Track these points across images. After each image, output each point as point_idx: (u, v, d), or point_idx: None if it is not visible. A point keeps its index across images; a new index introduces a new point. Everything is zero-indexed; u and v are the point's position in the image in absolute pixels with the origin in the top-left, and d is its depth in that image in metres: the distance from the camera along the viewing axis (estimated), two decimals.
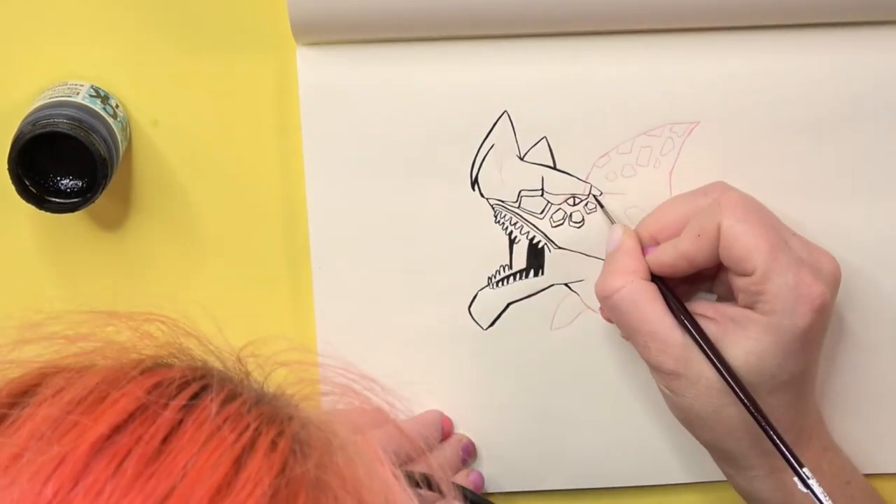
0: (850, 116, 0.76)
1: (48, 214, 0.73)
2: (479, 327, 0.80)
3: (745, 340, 0.71)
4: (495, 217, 0.78)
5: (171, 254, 0.79)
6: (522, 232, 0.78)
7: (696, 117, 0.76)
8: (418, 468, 0.63)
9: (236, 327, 0.76)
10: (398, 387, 0.78)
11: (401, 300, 0.79)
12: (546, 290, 0.80)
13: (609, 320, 0.77)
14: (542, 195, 0.78)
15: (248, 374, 0.49)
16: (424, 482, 0.52)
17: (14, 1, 0.74)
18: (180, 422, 0.44)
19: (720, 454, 0.75)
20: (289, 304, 0.80)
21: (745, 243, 0.70)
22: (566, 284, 0.80)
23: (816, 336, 0.72)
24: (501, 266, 0.79)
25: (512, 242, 0.79)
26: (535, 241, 0.79)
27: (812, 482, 0.68)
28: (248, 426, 0.44)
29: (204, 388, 0.45)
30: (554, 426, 0.82)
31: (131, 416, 0.43)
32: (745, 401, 0.70)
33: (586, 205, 0.78)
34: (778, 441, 0.69)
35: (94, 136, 0.71)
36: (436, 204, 0.77)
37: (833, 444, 0.78)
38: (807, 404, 0.74)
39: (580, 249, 0.79)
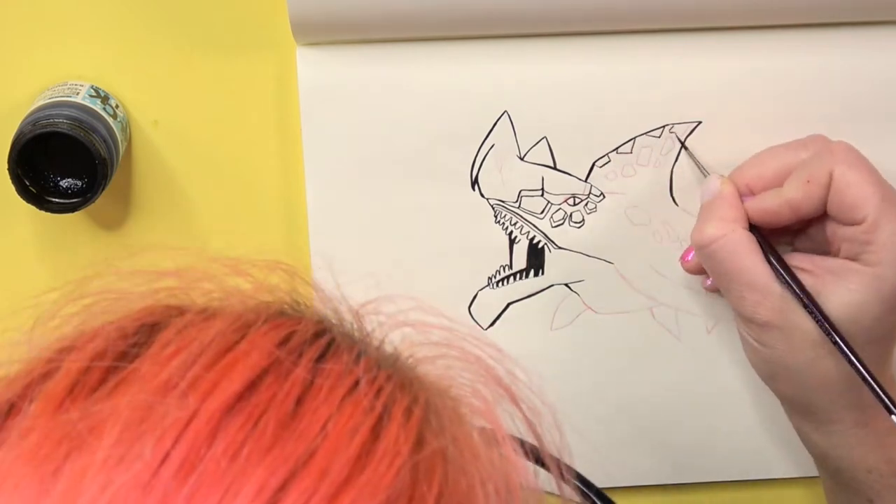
0: (850, 116, 0.76)
1: (48, 214, 0.73)
2: (479, 327, 0.80)
3: (846, 292, 0.69)
4: (495, 217, 0.78)
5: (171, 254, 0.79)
6: (522, 232, 0.78)
7: (698, 117, 0.76)
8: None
9: None
10: None
11: None
12: (546, 290, 0.80)
13: (691, 271, 0.76)
14: (542, 195, 0.78)
15: (367, 333, 0.47)
16: (533, 455, 0.50)
17: (14, 1, 0.74)
18: (312, 380, 0.42)
19: (801, 408, 0.73)
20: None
21: (857, 191, 0.69)
22: (566, 284, 0.80)
23: None
24: (501, 266, 0.79)
25: (512, 242, 0.79)
26: (535, 241, 0.79)
27: None
28: (381, 389, 0.42)
29: (330, 344, 0.44)
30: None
31: (264, 372, 0.42)
32: (847, 351, 0.68)
33: (586, 205, 0.78)
34: (878, 388, 0.67)
35: (94, 136, 0.71)
36: (436, 204, 0.77)
37: None
38: (891, 361, 0.73)
39: (580, 249, 0.79)
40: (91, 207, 0.73)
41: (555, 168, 0.77)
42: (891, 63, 0.75)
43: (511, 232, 0.78)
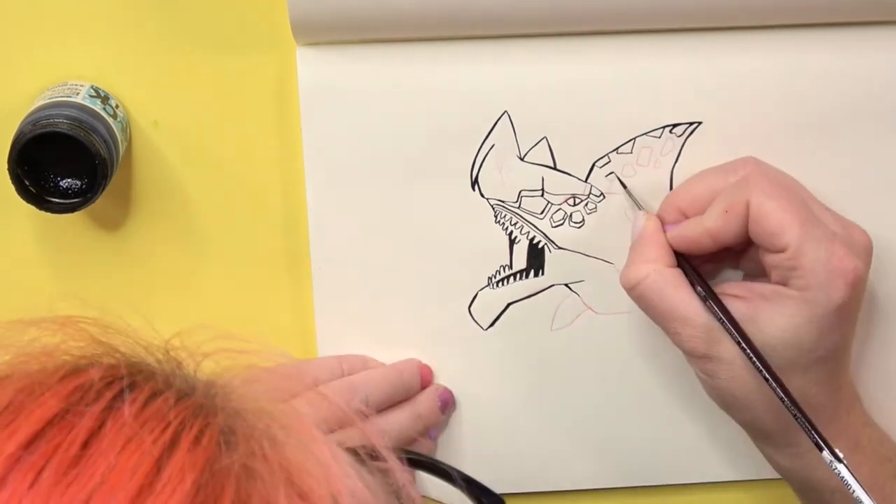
0: (850, 116, 0.76)
1: (48, 214, 0.73)
2: (479, 327, 0.80)
3: (780, 317, 0.70)
4: (495, 217, 0.78)
5: (171, 254, 0.79)
6: (522, 232, 0.78)
7: (697, 118, 0.76)
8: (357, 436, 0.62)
9: (240, 327, 0.78)
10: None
11: (401, 300, 0.79)
12: (546, 291, 0.80)
13: None
14: (542, 195, 0.78)
15: (179, 365, 0.47)
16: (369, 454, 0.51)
17: (14, 1, 0.74)
18: (100, 426, 0.42)
19: (759, 434, 0.74)
20: (289, 304, 0.80)
21: (776, 219, 0.69)
22: (566, 285, 0.80)
23: (852, 310, 0.71)
24: (501, 266, 0.79)
25: (512, 242, 0.79)
26: (535, 242, 0.79)
27: (840, 465, 0.67)
28: (169, 424, 0.43)
29: (129, 387, 0.44)
30: (555, 426, 0.82)
31: (49, 424, 0.42)
32: (770, 379, 0.69)
33: (586, 205, 0.78)
34: (803, 419, 0.68)
35: (94, 136, 0.71)
36: (436, 204, 0.77)
37: (871, 419, 0.76)
38: (842, 380, 0.73)
39: (580, 250, 0.79)
40: (91, 208, 0.73)
41: (555, 168, 0.77)
42: (891, 64, 0.75)
43: (511, 232, 0.78)
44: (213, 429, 0.43)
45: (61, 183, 0.73)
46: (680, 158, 0.77)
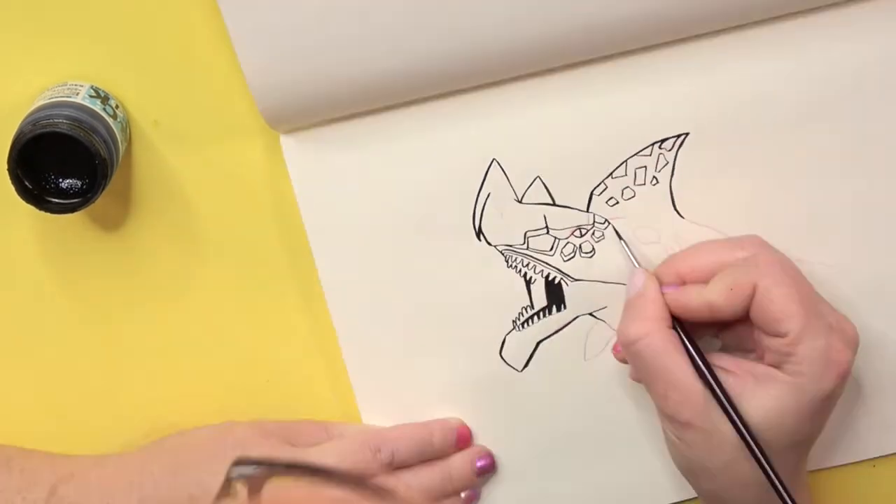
0: (826, 113, 0.75)
1: (48, 215, 0.72)
2: (514, 370, 0.81)
3: (766, 398, 0.70)
4: (507, 262, 0.79)
5: (170, 254, 0.79)
6: (536, 271, 0.79)
7: (684, 129, 0.76)
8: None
9: (240, 327, 0.80)
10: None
11: (431, 359, 0.80)
12: (572, 323, 0.80)
13: (624, 361, 0.77)
14: (547, 232, 0.78)
15: None
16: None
17: (14, 1, 0.74)
18: None
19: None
20: (291, 304, 0.80)
21: (781, 306, 0.70)
22: (591, 314, 0.80)
23: (836, 401, 0.72)
24: (523, 308, 0.80)
25: (528, 283, 0.79)
26: (550, 278, 0.79)
27: None
28: None
29: None
30: (607, 454, 0.82)
31: None
32: (762, 461, 0.70)
33: (593, 234, 0.78)
34: (789, 499, 0.69)
35: (94, 136, 0.70)
36: (447, 261, 0.78)
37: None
38: (803, 464, 0.75)
39: (596, 278, 0.79)
40: (91, 208, 0.73)
41: (554, 204, 0.77)
42: (871, 55, 0.74)
43: (525, 273, 0.79)
44: None
45: (61, 183, 0.72)
46: (675, 171, 0.77)
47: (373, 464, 0.77)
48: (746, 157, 0.76)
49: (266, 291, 0.80)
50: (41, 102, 0.73)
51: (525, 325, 0.80)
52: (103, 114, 0.73)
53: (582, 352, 0.81)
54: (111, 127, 0.73)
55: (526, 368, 0.81)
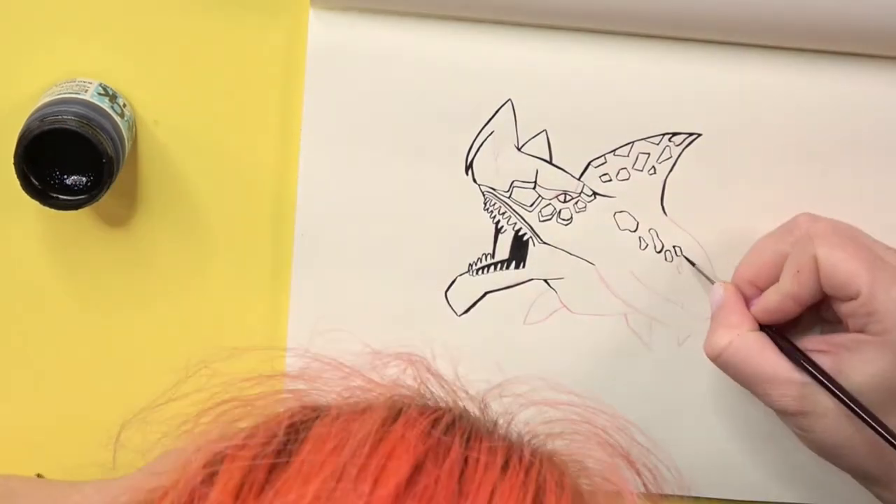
0: (851, 145, 0.76)
1: (54, 211, 0.72)
2: (453, 312, 0.80)
3: (864, 364, 0.70)
4: (485, 204, 0.78)
5: (176, 251, 0.79)
6: (510, 223, 0.78)
7: (698, 129, 0.76)
8: None
9: (246, 324, 0.80)
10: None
11: (379, 276, 0.79)
12: (525, 284, 0.79)
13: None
14: (534, 188, 0.77)
15: (494, 417, 0.49)
16: None
17: None
18: (466, 459, 0.43)
19: (864, 476, 0.74)
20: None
21: (844, 269, 0.70)
22: (545, 280, 0.79)
23: None
24: (484, 254, 0.79)
25: (498, 232, 0.78)
26: (520, 233, 0.78)
27: None
28: (531, 465, 0.44)
29: (472, 428, 0.46)
30: None
31: (424, 456, 0.43)
32: (872, 422, 0.69)
33: (576, 203, 0.78)
34: None
35: (102, 134, 0.70)
36: (427, 183, 0.77)
37: None
38: None
39: (564, 247, 0.79)
40: (96, 205, 0.73)
41: (550, 163, 0.77)
42: (891, 98, 0.76)
43: (498, 221, 0.78)
44: (568, 479, 0.45)
45: (67, 179, 0.72)
46: (675, 168, 0.77)
47: None
48: (748, 175, 0.77)
49: (272, 289, 0.80)
50: (49, 98, 0.72)
51: (480, 271, 0.79)
52: (111, 112, 0.72)
53: (524, 315, 0.80)
54: (118, 125, 0.72)
55: (465, 314, 0.80)
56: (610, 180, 0.78)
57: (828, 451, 0.74)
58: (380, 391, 0.48)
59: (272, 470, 0.44)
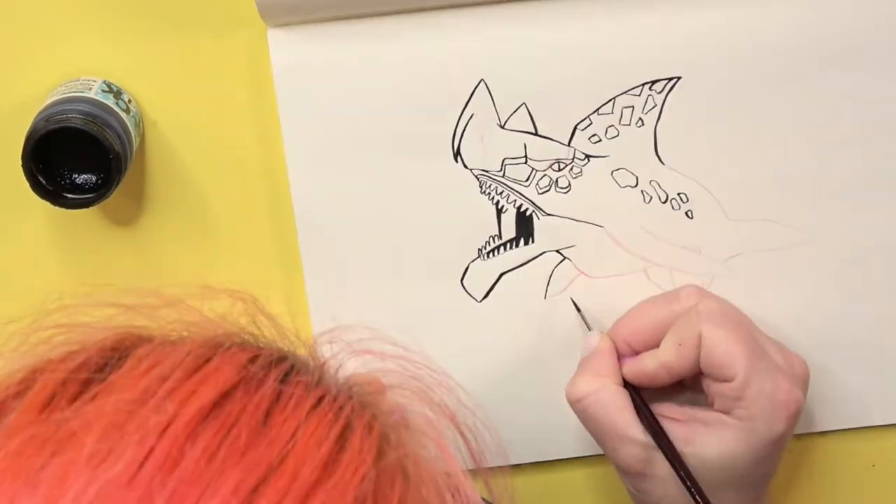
0: (830, 67, 0.75)
1: (62, 210, 0.72)
2: (473, 300, 0.80)
3: (719, 443, 0.72)
4: (481, 188, 0.77)
5: (184, 248, 0.79)
6: (509, 201, 0.77)
7: (676, 73, 0.75)
8: None
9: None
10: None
11: (391, 278, 0.79)
12: (538, 259, 0.79)
13: None
14: (525, 162, 0.77)
15: (323, 361, 0.50)
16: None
17: None
18: (279, 395, 0.45)
19: None
20: (304, 297, 0.80)
21: (725, 350, 0.71)
22: (557, 251, 0.79)
23: (788, 439, 0.73)
24: (491, 237, 0.78)
25: (500, 212, 0.78)
26: (522, 210, 0.78)
27: None
28: (343, 406, 0.45)
29: (293, 367, 0.47)
30: (554, 394, 0.81)
31: (235, 386, 0.44)
32: (699, 498, 0.71)
33: (571, 169, 0.77)
34: None
35: (108, 131, 0.70)
36: (420, 178, 0.77)
37: None
38: (766, 496, 0.76)
39: (569, 215, 0.78)
40: (105, 203, 0.73)
41: (536, 134, 0.76)
42: (867, 12, 0.74)
43: (498, 202, 0.78)
44: (379, 421, 0.46)
45: (76, 178, 0.72)
46: (662, 116, 0.76)
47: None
48: (735, 109, 0.76)
49: (280, 286, 0.80)
50: (54, 98, 0.72)
51: (490, 255, 0.79)
52: (116, 108, 0.72)
53: (543, 290, 0.80)
54: (124, 122, 0.73)
55: (485, 299, 0.80)
56: (600, 140, 0.77)
57: None
58: (210, 327, 0.49)
59: (87, 385, 0.45)
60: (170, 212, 0.78)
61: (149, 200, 0.78)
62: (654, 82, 0.75)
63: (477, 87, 0.75)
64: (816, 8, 0.74)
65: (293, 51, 0.74)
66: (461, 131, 0.76)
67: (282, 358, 0.47)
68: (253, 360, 0.46)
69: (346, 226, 0.77)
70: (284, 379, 0.46)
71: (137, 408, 0.43)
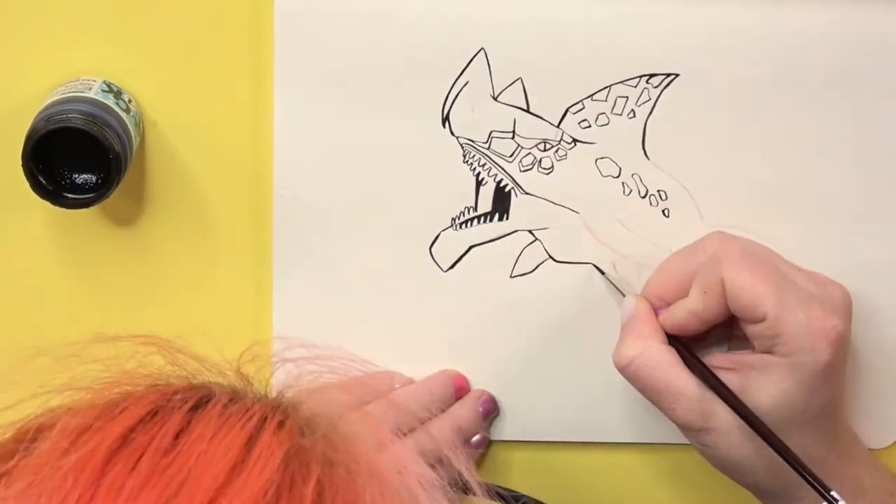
0: (829, 72, 0.76)
1: (62, 210, 0.72)
2: (438, 268, 0.79)
3: (769, 384, 0.71)
4: (464, 157, 0.77)
5: (185, 248, 0.79)
6: (490, 174, 0.77)
7: (676, 70, 0.75)
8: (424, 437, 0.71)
9: (255, 318, 0.79)
10: (356, 324, 0.79)
11: (361, 234, 0.78)
12: (509, 236, 0.79)
13: None
14: (513, 138, 0.77)
15: (249, 381, 0.50)
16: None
17: None
18: (189, 422, 0.45)
19: (764, 494, 0.75)
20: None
21: (750, 291, 0.71)
22: (530, 231, 0.79)
23: (838, 367, 0.72)
24: (466, 208, 0.78)
25: (479, 184, 0.78)
26: (502, 185, 0.77)
27: None
28: (253, 415, 0.46)
29: (208, 395, 0.47)
30: (508, 377, 0.81)
31: (142, 420, 0.45)
32: (770, 439, 0.70)
33: (557, 151, 0.77)
34: (806, 475, 0.70)
35: (108, 130, 0.70)
36: (405, 138, 0.76)
37: (873, 459, 0.78)
38: (838, 428, 0.75)
39: (547, 196, 0.78)
40: (105, 202, 0.73)
41: (528, 111, 0.76)
42: (870, 27, 0.75)
43: (479, 173, 0.77)
44: (294, 419, 0.46)
45: (76, 178, 0.72)
46: (655, 111, 0.76)
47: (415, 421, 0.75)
48: (727, 114, 0.76)
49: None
50: (54, 98, 0.72)
51: (463, 225, 0.78)
52: (116, 108, 0.72)
53: (510, 267, 0.79)
54: (124, 121, 0.72)
55: (451, 270, 0.79)
56: (589, 126, 0.77)
57: (729, 468, 0.74)
58: (122, 376, 0.49)
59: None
60: (170, 212, 0.78)
61: (149, 200, 0.78)
62: (652, 76, 0.75)
63: (476, 55, 0.75)
64: (821, 19, 0.74)
65: None
66: (453, 97, 0.76)
67: (197, 388, 0.48)
68: (162, 395, 0.47)
69: (323, 175, 0.77)
70: (197, 407, 0.46)
71: (52, 458, 0.44)
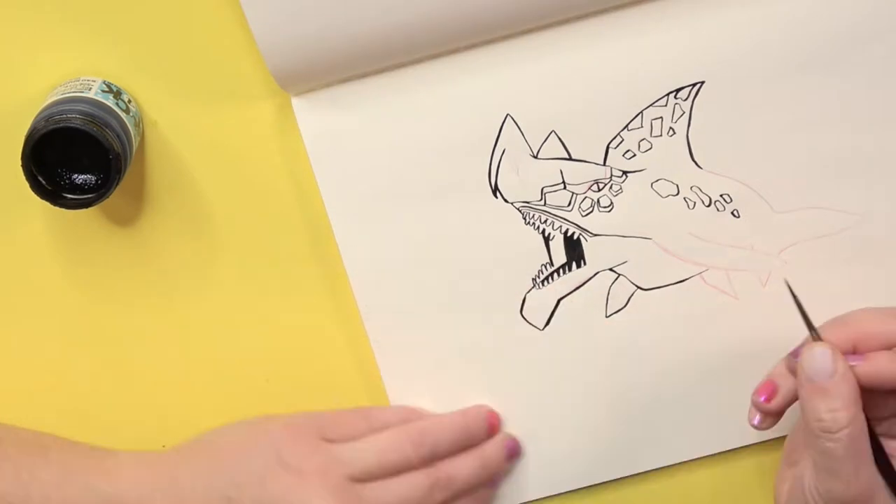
0: (851, 46, 0.74)
1: (62, 210, 0.72)
2: (535, 329, 0.80)
3: None
4: (524, 219, 0.78)
5: (185, 249, 0.79)
6: (555, 227, 0.78)
7: (700, 77, 0.75)
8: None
9: (257, 318, 0.80)
10: (468, 400, 0.80)
11: (451, 319, 0.79)
12: (593, 279, 0.79)
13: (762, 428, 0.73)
14: (564, 188, 0.77)
15: None
16: None
17: None
18: None
19: None
20: (310, 292, 0.80)
21: None
22: (611, 269, 0.79)
23: None
24: (543, 265, 0.79)
25: (547, 240, 0.78)
26: (569, 234, 0.78)
27: None
28: None
29: None
30: (630, 411, 0.81)
31: None
32: None
33: (611, 188, 0.77)
34: None
35: (108, 131, 0.70)
36: (463, 219, 0.78)
37: None
38: None
39: (616, 232, 0.78)
40: (105, 203, 0.73)
41: (570, 159, 0.77)
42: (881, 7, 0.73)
43: (544, 230, 0.78)
44: None
45: (75, 179, 0.72)
46: (692, 121, 0.76)
47: (413, 458, 0.76)
48: (762, 102, 0.75)
49: (280, 287, 0.80)
50: (54, 98, 0.72)
51: (545, 282, 0.79)
52: (116, 108, 0.73)
53: (603, 308, 0.80)
54: (124, 121, 0.73)
55: (548, 326, 0.80)
56: (634, 155, 0.77)
57: None
58: None
59: None
60: (170, 212, 0.78)
61: (149, 200, 0.78)
62: (678, 90, 0.75)
63: (504, 122, 0.76)
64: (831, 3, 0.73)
65: (320, 117, 0.75)
66: (496, 167, 0.77)
67: None
68: None
69: (397, 274, 0.78)
70: None
71: None
